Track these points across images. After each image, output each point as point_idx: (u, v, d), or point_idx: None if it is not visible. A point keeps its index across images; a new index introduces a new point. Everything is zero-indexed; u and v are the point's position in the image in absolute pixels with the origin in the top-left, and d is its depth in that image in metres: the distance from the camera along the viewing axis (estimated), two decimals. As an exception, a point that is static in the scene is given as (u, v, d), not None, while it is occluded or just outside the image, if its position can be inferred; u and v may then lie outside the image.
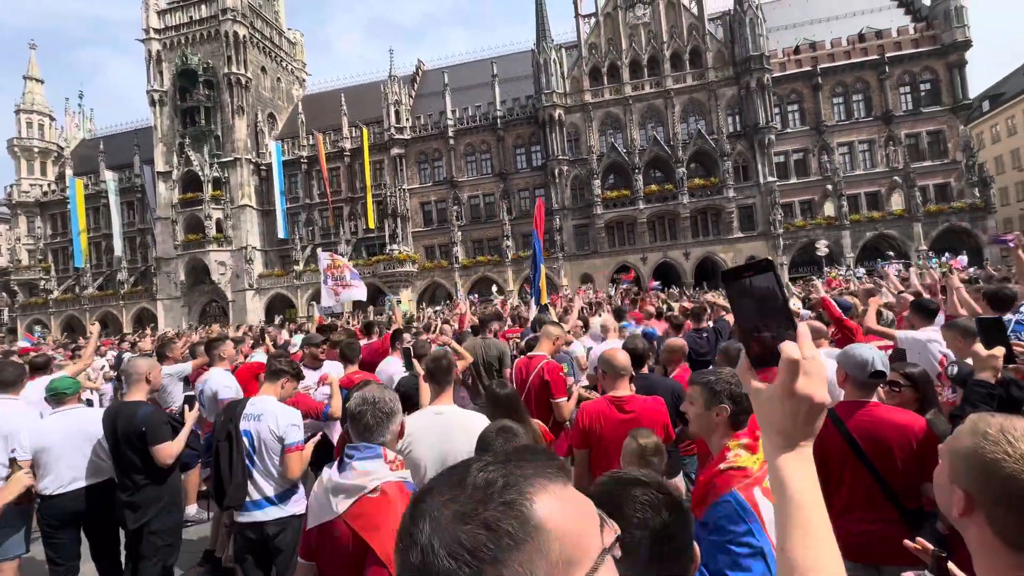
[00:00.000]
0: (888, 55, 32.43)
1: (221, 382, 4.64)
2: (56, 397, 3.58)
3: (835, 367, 3.15)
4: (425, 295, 37.10)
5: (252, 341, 7.81)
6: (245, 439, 3.02)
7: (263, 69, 43.48)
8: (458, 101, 38.95)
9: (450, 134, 38.05)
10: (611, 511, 1.02)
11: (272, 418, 3.04)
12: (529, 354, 4.01)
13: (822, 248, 27.72)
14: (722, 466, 1.71)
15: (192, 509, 5.47)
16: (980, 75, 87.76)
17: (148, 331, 15.23)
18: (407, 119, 39.05)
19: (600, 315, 8.87)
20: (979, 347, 2.18)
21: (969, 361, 3.11)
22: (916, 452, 2.26)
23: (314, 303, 20.98)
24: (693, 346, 5.31)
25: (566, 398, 3.78)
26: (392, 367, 5.16)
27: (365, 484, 1.79)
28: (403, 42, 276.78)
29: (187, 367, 5.77)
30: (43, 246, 45.76)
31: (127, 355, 8.64)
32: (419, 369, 3.75)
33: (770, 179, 32.55)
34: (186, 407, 3.74)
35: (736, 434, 1.83)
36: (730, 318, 6.15)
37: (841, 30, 34.34)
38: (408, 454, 2.46)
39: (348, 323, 12.34)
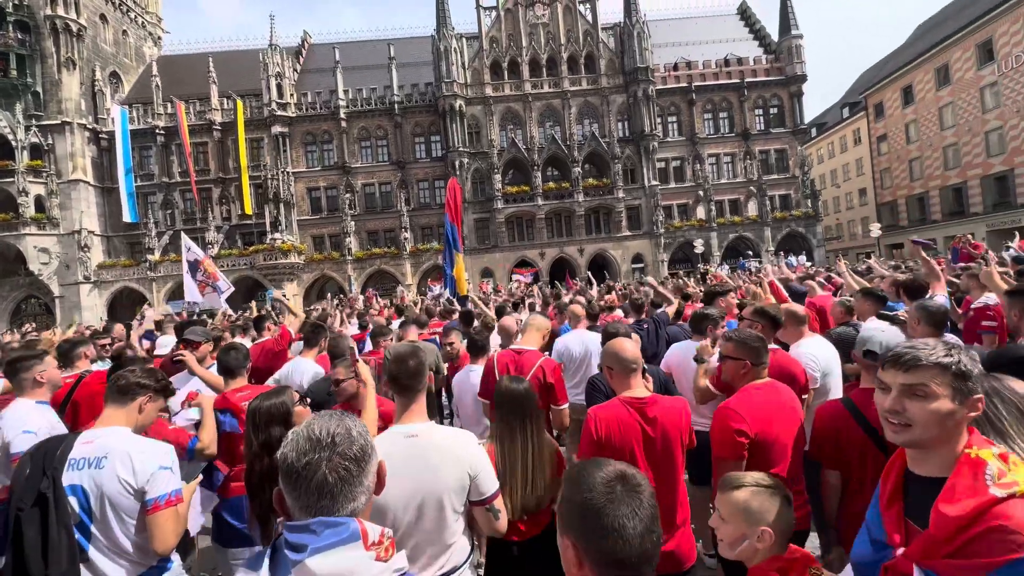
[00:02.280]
0: (747, 80, 37.26)
1: (19, 425, 2.77)
2: None
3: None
4: (313, 289, 34.06)
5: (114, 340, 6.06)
6: (73, 500, 1.97)
7: (103, 17, 36.16)
8: (350, 81, 36.23)
9: (342, 116, 35.26)
10: None
11: (123, 461, 2.00)
12: (516, 347, 3.52)
13: (699, 247, 30.93)
14: (998, 492, 1.11)
15: None
16: (813, 105, 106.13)
17: None
18: (291, 95, 35.31)
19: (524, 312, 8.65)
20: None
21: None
22: None
23: (181, 302, 17.99)
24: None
25: (567, 404, 3.35)
26: (302, 370, 3.99)
27: None
28: (286, 10, 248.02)
29: None
30: None
31: None
32: (364, 375, 2.67)
33: (653, 183, 35.49)
34: None
35: (971, 440, 1.26)
36: (671, 310, 6.23)
37: (711, 53, 38.61)
38: None
39: (229, 319, 10.53)
